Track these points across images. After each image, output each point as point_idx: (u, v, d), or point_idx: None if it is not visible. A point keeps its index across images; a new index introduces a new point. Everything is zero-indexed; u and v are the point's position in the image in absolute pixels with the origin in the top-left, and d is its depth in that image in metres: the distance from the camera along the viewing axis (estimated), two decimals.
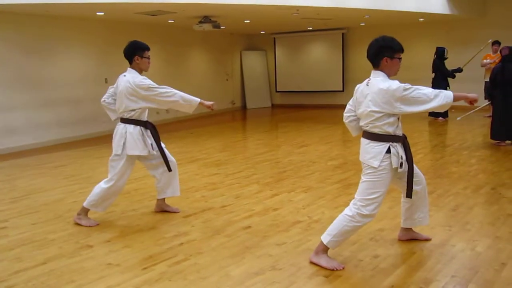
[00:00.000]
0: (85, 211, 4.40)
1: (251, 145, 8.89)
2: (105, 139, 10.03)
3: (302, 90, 15.59)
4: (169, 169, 4.43)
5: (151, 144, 4.30)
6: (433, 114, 10.81)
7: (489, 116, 9.69)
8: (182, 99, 4.19)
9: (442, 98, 3.11)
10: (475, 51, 10.50)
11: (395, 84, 3.11)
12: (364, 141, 3.30)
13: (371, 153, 3.22)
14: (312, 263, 3.34)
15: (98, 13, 9.22)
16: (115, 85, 4.40)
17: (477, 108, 8.69)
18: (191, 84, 13.28)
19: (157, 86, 4.18)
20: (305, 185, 5.53)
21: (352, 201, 3.32)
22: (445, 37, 12.67)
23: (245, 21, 11.69)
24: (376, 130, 3.20)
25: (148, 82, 4.17)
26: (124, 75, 4.29)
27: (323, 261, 3.29)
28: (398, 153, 3.21)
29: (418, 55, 12.76)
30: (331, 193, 5.18)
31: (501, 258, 3.35)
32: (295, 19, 11.36)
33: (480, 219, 4.19)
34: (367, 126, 3.25)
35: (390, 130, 3.18)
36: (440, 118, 10.75)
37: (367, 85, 3.25)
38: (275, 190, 5.36)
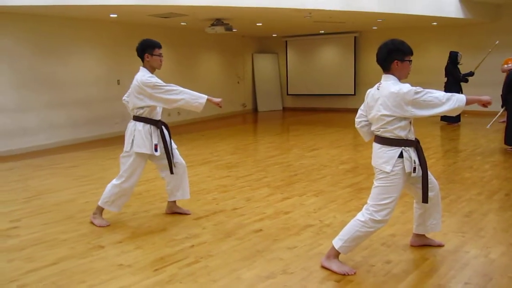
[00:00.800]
0: (100, 210, 4.44)
1: (262, 148, 8.88)
2: (118, 140, 10.06)
3: (313, 94, 15.56)
4: (171, 172, 4.41)
5: (155, 145, 4.28)
6: (446, 119, 10.71)
7: (504, 122, 9.58)
8: (190, 96, 4.16)
9: (454, 101, 3.07)
10: (488, 56, 10.39)
11: (406, 87, 3.09)
12: (376, 146, 3.27)
13: (384, 157, 3.18)
14: (323, 267, 3.31)
15: (111, 15, 9.29)
16: None
17: (500, 113, 8.51)
18: (202, 87, 13.27)
19: (164, 84, 4.17)
20: (316, 189, 5.51)
21: (364, 206, 3.30)
22: (458, 41, 12.58)
23: (257, 24, 11.70)
24: (387, 135, 3.18)
25: (154, 80, 4.16)
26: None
27: (334, 265, 3.27)
28: (411, 157, 3.18)
29: (431, 59, 12.68)
30: (342, 197, 5.15)
31: None
32: (307, 22, 11.34)
33: (494, 226, 4.14)
34: (378, 131, 3.23)
35: (402, 134, 3.16)
36: (456, 123, 10.64)
37: (378, 89, 3.24)
38: (286, 194, 5.34)
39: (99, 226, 4.33)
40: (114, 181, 4.35)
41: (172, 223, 4.43)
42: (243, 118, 14.27)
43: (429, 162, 6.77)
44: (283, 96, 16.25)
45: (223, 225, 4.32)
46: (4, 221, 4.60)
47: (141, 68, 4.31)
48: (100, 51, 10.44)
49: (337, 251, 3.28)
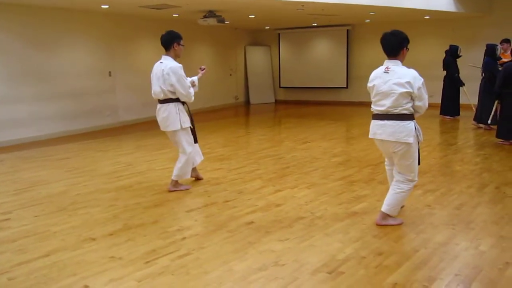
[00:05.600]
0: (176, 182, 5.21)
1: (254, 140, 8.88)
2: (109, 132, 10.05)
3: (306, 86, 15.56)
4: (196, 141, 5.32)
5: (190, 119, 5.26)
6: (445, 113, 10.73)
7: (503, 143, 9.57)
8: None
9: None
10: (481, 49, 10.34)
11: (417, 73, 3.74)
12: (392, 123, 3.73)
13: (404, 131, 3.71)
14: (379, 225, 3.96)
15: (102, 6, 9.20)
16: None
17: (494, 106, 8.50)
18: None
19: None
20: (308, 181, 5.52)
21: (402, 178, 3.89)
22: (451, 35, 12.61)
23: (250, 16, 11.65)
24: (405, 112, 3.71)
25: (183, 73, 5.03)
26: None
27: (391, 221, 3.99)
28: (418, 128, 3.79)
29: (424, 53, 12.71)
30: (334, 189, 5.16)
31: (505, 257, 3.34)
32: (300, 15, 11.31)
33: (484, 218, 4.18)
34: (396, 109, 3.70)
35: (412, 110, 3.74)
36: (448, 116, 10.69)
37: (387, 72, 3.73)
38: (278, 186, 5.34)
39: (186, 190, 5.17)
40: (182, 157, 5.07)
41: (163, 215, 4.42)
42: (235, 110, 14.25)
43: (420, 155, 6.80)
44: (275, 89, 16.23)
45: (215, 218, 4.32)
46: None
47: (167, 56, 4.97)
48: (91, 42, 10.34)
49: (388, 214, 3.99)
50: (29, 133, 8.98)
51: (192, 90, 5.09)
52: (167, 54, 5.01)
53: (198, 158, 5.47)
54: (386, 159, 4.23)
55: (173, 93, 4.95)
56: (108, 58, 10.62)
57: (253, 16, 11.68)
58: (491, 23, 12.12)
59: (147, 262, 3.36)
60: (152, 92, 5.07)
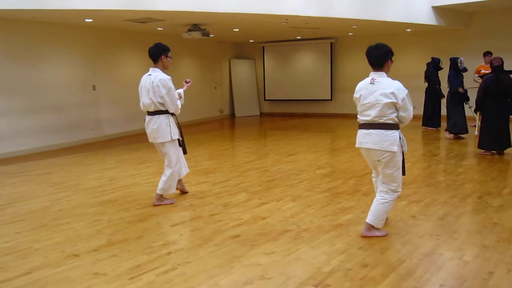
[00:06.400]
0: (161, 196, 5.17)
1: (239, 153, 8.87)
2: (92, 146, 9.95)
3: (290, 99, 15.64)
4: (185, 152, 5.34)
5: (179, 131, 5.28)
6: (427, 124, 10.88)
7: (474, 126, 9.79)
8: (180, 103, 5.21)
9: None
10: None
11: (401, 85, 3.83)
12: (377, 132, 3.80)
13: (389, 140, 3.78)
14: (365, 237, 3.96)
15: (86, 20, 9.17)
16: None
17: (477, 117, 8.63)
18: None
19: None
20: (293, 194, 5.52)
21: (386, 188, 3.92)
22: (432, 47, 12.82)
23: (234, 30, 11.72)
24: (389, 121, 3.79)
25: (171, 85, 5.02)
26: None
27: (377, 232, 4.00)
28: (403, 138, 3.87)
29: (406, 65, 12.87)
30: (319, 201, 5.17)
31: (489, 267, 3.37)
32: (284, 28, 11.41)
33: (468, 228, 4.22)
34: (381, 119, 3.78)
35: (396, 119, 3.81)
36: (430, 128, 10.86)
37: (372, 83, 3.82)
38: (263, 199, 5.34)
39: (171, 203, 5.14)
40: (168, 170, 5.07)
41: (148, 230, 4.38)
42: (220, 123, 14.25)
43: (405, 166, 6.83)
44: (260, 102, 16.29)
45: (200, 231, 4.29)
46: None
47: (155, 68, 5.00)
48: (75, 56, 10.28)
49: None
50: (10, 147, 8.84)
51: (179, 102, 5.13)
52: (155, 66, 5.04)
53: (184, 170, 5.47)
54: (373, 170, 4.27)
55: (163, 104, 4.98)
56: (92, 71, 10.56)
57: (237, 30, 11.75)
58: (471, 35, 12.37)
59: (132, 278, 3.32)
60: (141, 104, 5.08)
